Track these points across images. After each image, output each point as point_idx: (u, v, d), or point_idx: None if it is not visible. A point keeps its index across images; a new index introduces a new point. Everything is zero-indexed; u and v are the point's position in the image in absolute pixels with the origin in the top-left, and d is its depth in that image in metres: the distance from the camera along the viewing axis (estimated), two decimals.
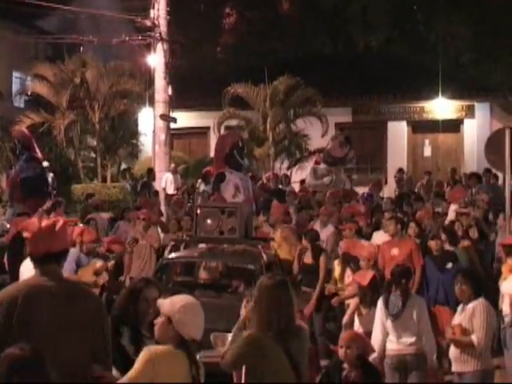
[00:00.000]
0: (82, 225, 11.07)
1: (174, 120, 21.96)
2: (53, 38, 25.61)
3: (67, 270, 7.76)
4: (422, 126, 24.88)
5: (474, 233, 11.49)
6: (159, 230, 12.48)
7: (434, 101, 24.04)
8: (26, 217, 10.78)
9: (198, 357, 4.53)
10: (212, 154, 18.14)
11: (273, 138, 22.32)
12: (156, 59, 21.44)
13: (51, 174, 19.78)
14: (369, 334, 7.83)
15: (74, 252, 9.10)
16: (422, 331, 7.52)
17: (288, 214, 13.66)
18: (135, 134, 24.91)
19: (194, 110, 24.97)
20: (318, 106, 22.51)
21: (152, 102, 22.12)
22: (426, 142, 25.02)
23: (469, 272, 7.87)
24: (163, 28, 21.21)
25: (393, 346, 7.59)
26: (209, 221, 9.87)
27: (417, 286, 9.70)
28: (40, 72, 23.53)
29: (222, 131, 21.83)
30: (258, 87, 22.41)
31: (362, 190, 17.65)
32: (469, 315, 7.00)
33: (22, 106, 26.82)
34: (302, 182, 19.32)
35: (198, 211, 10.05)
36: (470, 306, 7.03)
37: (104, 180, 22.96)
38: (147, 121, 23.51)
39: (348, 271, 9.94)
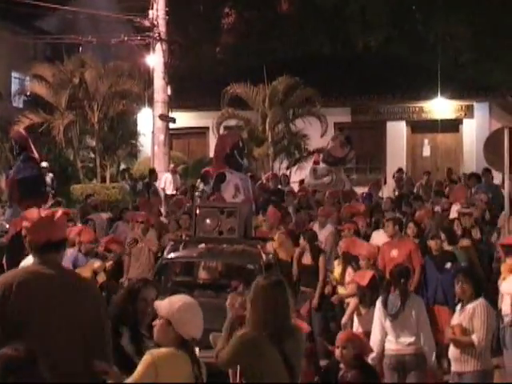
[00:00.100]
0: (80, 225, 11.07)
1: (173, 120, 21.96)
2: (52, 38, 25.61)
3: None
4: (421, 126, 24.87)
5: (476, 233, 11.49)
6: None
7: (433, 101, 24.03)
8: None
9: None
10: (211, 154, 18.15)
11: (272, 138, 22.31)
12: (155, 59, 21.45)
13: (50, 175, 19.79)
14: (368, 333, 7.84)
15: (71, 252, 9.11)
16: (421, 331, 7.53)
17: (288, 213, 13.66)
18: (134, 134, 24.89)
19: (193, 110, 24.96)
20: (317, 105, 22.50)
21: (151, 102, 22.13)
22: (425, 141, 25.02)
23: (470, 271, 7.87)
24: (162, 28, 21.23)
25: (391, 346, 7.59)
26: (208, 221, 9.86)
27: (415, 285, 9.70)
28: (39, 72, 23.51)
29: (221, 131, 21.81)
30: (257, 87, 22.40)
31: (361, 190, 17.65)
32: (469, 315, 7.00)
33: (21, 106, 26.77)
34: (302, 181, 19.31)
35: (197, 211, 10.05)
36: (470, 306, 7.02)
37: (103, 180, 22.94)
38: (146, 121, 23.50)
39: (349, 269, 9.94)
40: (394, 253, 10.20)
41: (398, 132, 24.87)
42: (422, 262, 10.06)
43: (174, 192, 18.96)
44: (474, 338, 6.91)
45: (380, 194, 17.87)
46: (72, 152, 23.62)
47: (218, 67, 32.32)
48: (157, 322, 4.38)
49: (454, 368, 7.19)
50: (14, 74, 29.15)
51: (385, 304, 7.68)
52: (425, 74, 23.94)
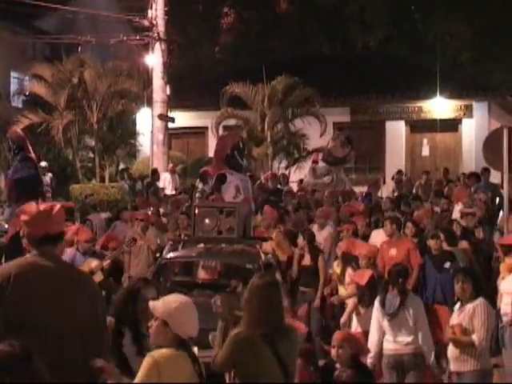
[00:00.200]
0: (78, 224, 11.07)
1: (172, 120, 21.96)
2: (51, 38, 25.63)
3: None
4: (420, 126, 24.86)
5: (479, 233, 11.49)
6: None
7: (432, 100, 24.02)
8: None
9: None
10: (210, 154, 18.16)
11: (271, 138, 22.29)
12: (154, 59, 21.46)
13: (50, 174, 19.77)
14: (367, 333, 7.84)
15: (70, 251, 9.09)
16: (419, 331, 7.51)
17: (287, 213, 13.65)
18: (133, 133, 24.88)
19: (192, 109, 24.94)
20: (317, 105, 22.48)
21: (150, 102, 22.14)
22: (424, 141, 25.00)
23: (470, 271, 7.87)
24: (161, 28, 21.24)
25: (390, 345, 7.58)
26: (207, 220, 9.84)
27: (413, 284, 9.68)
28: (38, 72, 23.50)
29: (220, 131, 21.79)
30: (256, 87, 22.38)
31: (360, 190, 17.65)
32: (469, 315, 6.99)
33: (20, 106, 26.79)
34: (301, 181, 19.30)
35: (196, 211, 10.04)
36: (470, 305, 7.02)
37: (102, 180, 22.93)
38: (145, 121, 23.50)
39: (349, 270, 9.94)
40: (393, 252, 10.20)
41: (397, 132, 24.86)
42: (420, 261, 10.05)
43: (173, 192, 18.95)
44: (475, 337, 6.91)
45: (379, 194, 17.87)
46: (71, 152, 23.61)
47: (217, 67, 32.33)
48: (152, 323, 4.33)
49: (452, 368, 7.18)
50: (13, 74, 29.19)
51: (383, 303, 7.67)
52: (424, 73, 23.93)
